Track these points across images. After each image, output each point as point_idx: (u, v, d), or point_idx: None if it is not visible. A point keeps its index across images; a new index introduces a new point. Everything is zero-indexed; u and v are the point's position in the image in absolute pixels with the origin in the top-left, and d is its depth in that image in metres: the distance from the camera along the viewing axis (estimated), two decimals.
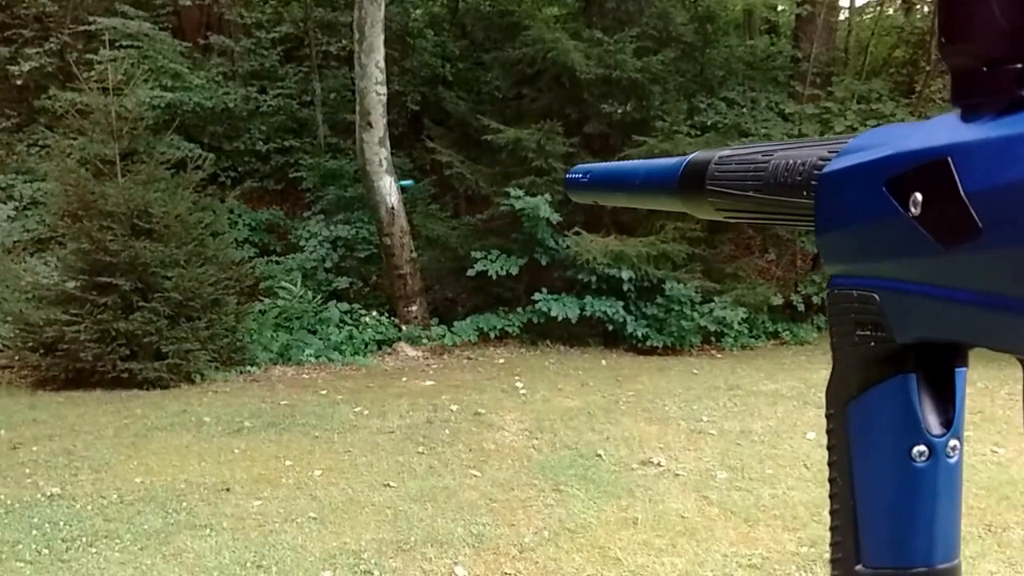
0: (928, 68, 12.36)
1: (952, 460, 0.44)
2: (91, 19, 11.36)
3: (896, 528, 0.44)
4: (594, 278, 9.63)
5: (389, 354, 9.40)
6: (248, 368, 8.45)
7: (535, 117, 10.54)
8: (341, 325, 9.60)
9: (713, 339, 9.79)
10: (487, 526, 4.37)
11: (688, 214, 0.64)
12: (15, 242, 10.00)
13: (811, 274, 10.15)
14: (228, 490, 4.96)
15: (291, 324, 9.49)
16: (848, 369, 0.46)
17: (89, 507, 4.70)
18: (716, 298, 9.78)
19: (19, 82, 12.13)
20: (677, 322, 9.52)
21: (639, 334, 9.55)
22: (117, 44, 10.70)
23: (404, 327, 9.83)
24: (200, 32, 13.99)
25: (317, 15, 13.30)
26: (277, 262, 10.60)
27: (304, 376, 8.44)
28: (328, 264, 10.74)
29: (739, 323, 9.60)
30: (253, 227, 11.43)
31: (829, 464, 0.48)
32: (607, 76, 10.39)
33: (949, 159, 0.37)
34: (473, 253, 9.95)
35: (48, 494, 4.90)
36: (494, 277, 9.72)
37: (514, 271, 9.76)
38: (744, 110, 12.42)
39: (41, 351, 7.78)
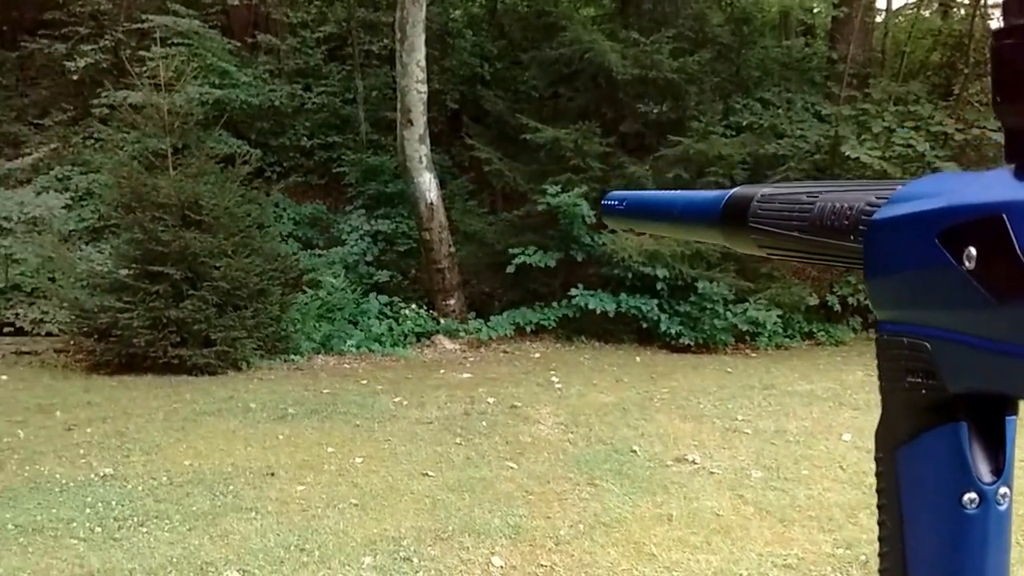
0: (966, 71, 12.26)
1: (1002, 507, 0.44)
2: (144, 17, 11.63)
3: (946, 573, 0.44)
4: (629, 275, 9.73)
5: (427, 346, 9.58)
6: (292, 357, 8.68)
7: (572, 116, 10.65)
8: (381, 317, 9.80)
9: (747, 338, 9.82)
10: (523, 518, 4.43)
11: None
12: (71, 231, 10.30)
13: (846, 275, 10.14)
14: (273, 475, 5.12)
15: (333, 315, 9.70)
16: (898, 415, 0.46)
17: (140, 488, 4.88)
18: (750, 298, 9.82)
19: (75, 77, 12.45)
20: (710, 321, 9.58)
21: (672, 332, 9.63)
22: (169, 42, 10.98)
23: (442, 320, 10.00)
24: (248, 31, 14.25)
25: (360, 15, 13.50)
26: (320, 255, 10.83)
27: (345, 366, 8.64)
28: (369, 257, 10.96)
29: (772, 323, 9.65)
30: (297, 221, 11.66)
31: (879, 507, 0.48)
32: (643, 76, 10.47)
33: (1004, 216, 0.37)
34: (510, 249, 10.09)
35: (101, 474, 5.09)
36: (532, 267, 9.85)
37: (551, 264, 9.88)
38: (780, 111, 12.40)
39: (95, 336, 8.05)
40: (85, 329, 8.14)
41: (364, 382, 7.78)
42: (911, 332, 0.44)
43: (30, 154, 11.87)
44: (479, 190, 12.48)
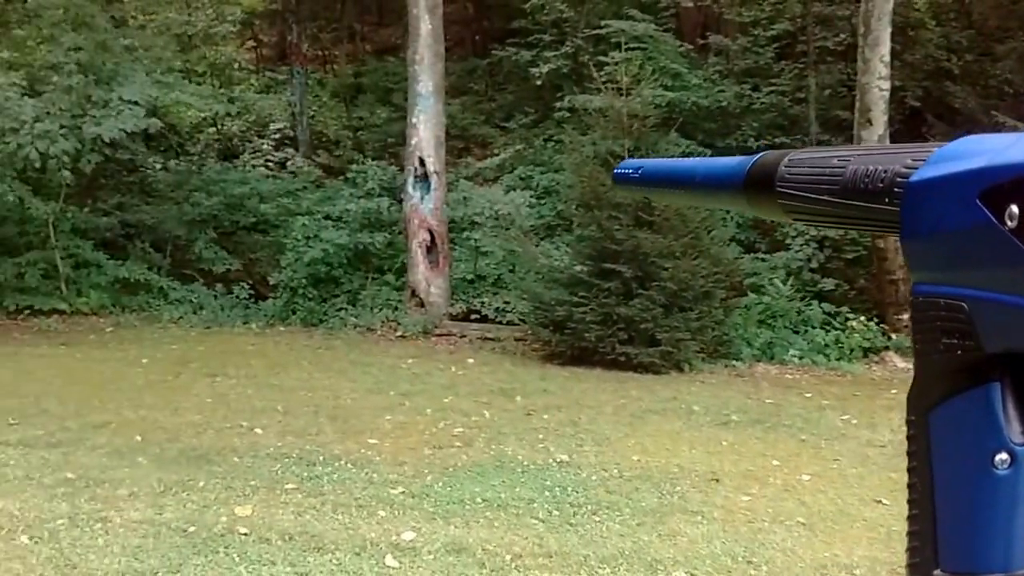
0: None
1: None
2: (602, 23, 12.25)
3: (975, 534, 0.44)
4: None
5: (876, 363, 8.96)
6: (733, 362, 8.59)
7: None
8: (826, 328, 9.35)
9: None
10: None
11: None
12: (531, 227, 11.18)
13: None
14: (717, 480, 5.06)
15: (774, 322, 9.45)
16: (932, 376, 0.46)
17: (593, 477, 5.07)
18: None
19: (538, 82, 13.51)
20: None
21: None
22: (626, 46, 11.43)
23: (894, 336, 9.27)
24: (698, 32, 14.42)
25: (816, 10, 12.99)
26: (762, 259, 10.61)
27: (787, 376, 8.35)
28: (814, 264, 10.50)
29: None
30: (740, 224, 11.54)
31: (909, 470, 0.47)
32: None
33: None
34: None
35: (558, 460, 5.37)
36: None
37: None
38: None
39: (551, 328, 8.61)
40: (542, 320, 8.73)
41: (808, 395, 7.45)
42: (948, 293, 0.44)
43: (497, 155, 13.12)
44: None
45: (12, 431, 5.76)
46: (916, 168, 0.46)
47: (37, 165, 9.89)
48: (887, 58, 9.36)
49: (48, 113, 10.02)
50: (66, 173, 10.29)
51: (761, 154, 0.60)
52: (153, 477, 4.83)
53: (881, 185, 0.48)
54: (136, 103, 10.39)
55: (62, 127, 10.06)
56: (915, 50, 12.91)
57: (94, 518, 4.19)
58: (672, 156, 9.15)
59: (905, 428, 0.49)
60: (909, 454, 0.48)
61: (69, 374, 7.77)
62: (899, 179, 0.47)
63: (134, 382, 7.47)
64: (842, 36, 12.54)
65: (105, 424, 5.97)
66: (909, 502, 0.48)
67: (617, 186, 0.78)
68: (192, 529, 4.08)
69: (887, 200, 0.48)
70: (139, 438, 5.65)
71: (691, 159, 0.70)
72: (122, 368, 8.09)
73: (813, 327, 9.34)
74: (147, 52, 11.67)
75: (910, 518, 0.48)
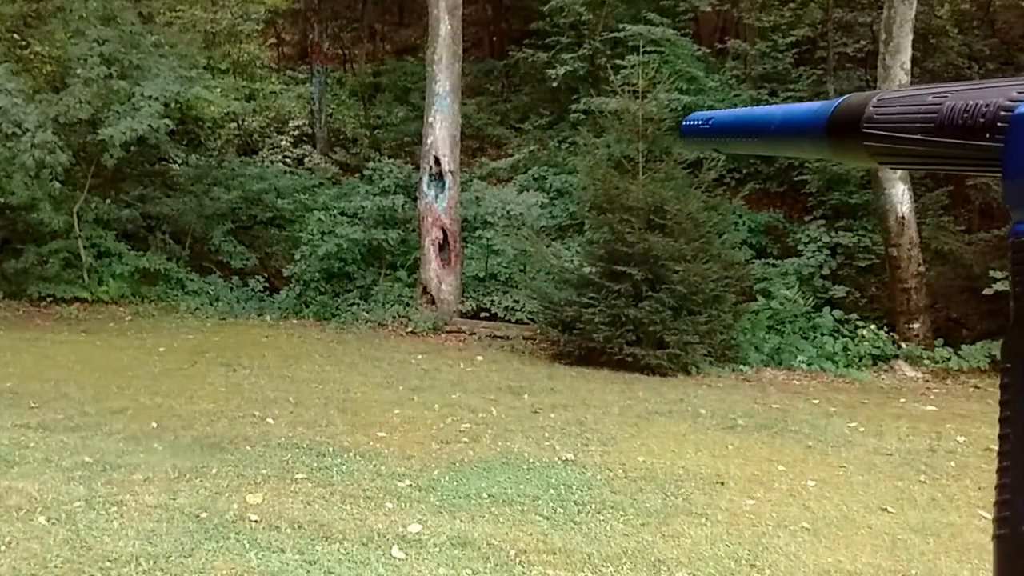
0: None
1: None
2: (620, 26, 12.29)
3: None
4: None
5: (885, 371, 8.97)
6: (740, 367, 8.63)
7: None
8: (836, 335, 9.36)
9: None
10: None
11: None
12: (542, 227, 11.25)
13: None
14: (722, 484, 5.09)
15: (783, 328, 9.47)
16: None
17: (598, 476, 5.10)
18: None
19: (554, 84, 13.57)
20: None
21: None
22: (643, 50, 11.47)
23: (904, 344, 9.29)
24: (715, 36, 14.44)
25: (836, 16, 12.98)
26: (773, 264, 10.63)
27: (795, 382, 8.38)
28: (825, 271, 10.52)
29: None
30: (752, 228, 11.57)
31: (1001, 420, 0.45)
32: None
33: None
34: (992, 272, 9.04)
35: (563, 458, 5.41)
36: None
37: None
38: None
39: (560, 328, 8.69)
40: (551, 320, 8.81)
41: (816, 401, 7.48)
42: None
43: (511, 155, 13.20)
44: (954, 205, 11.36)
45: (33, 414, 5.89)
46: (1023, 100, 0.44)
47: (32, 173, 10.04)
48: (908, 65, 9.38)
49: (54, 120, 10.15)
50: (57, 184, 10.44)
51: (846, 96, 0.58)
52: (168, 463, 4.93)
53: (982, 120, 0.46)
54: (156, 99, 10.53)
55: (78, 121, 10.22)
56: (936, 58, 12.87)
57: (110, 501, 4.28)
58: (686, 160, 9.18)
59: (999, 377, 0.47)
60: (1002, 403, 0.46)
61: (88, 361, 7.90)
62: (1003, 112, 0.45)
63: (151, 370, 7.59)
64: (863, 43, 12.55)
65: (122, 410, 6.09)
66: (1000, 454, 0.46)
67: (683, 141, 0.75)
68: (204, 515, 4.17)
69: (988, 136, 0.46)
70: (155, 424, 5.76)
71: (767, 107, 0.67)
72: (140, 356, 8.22)
73: (823, 334, 9.35)
74: (173, 48, 11.82)
75: (1000, 470, 0.46)
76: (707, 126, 0.71)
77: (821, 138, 0.58)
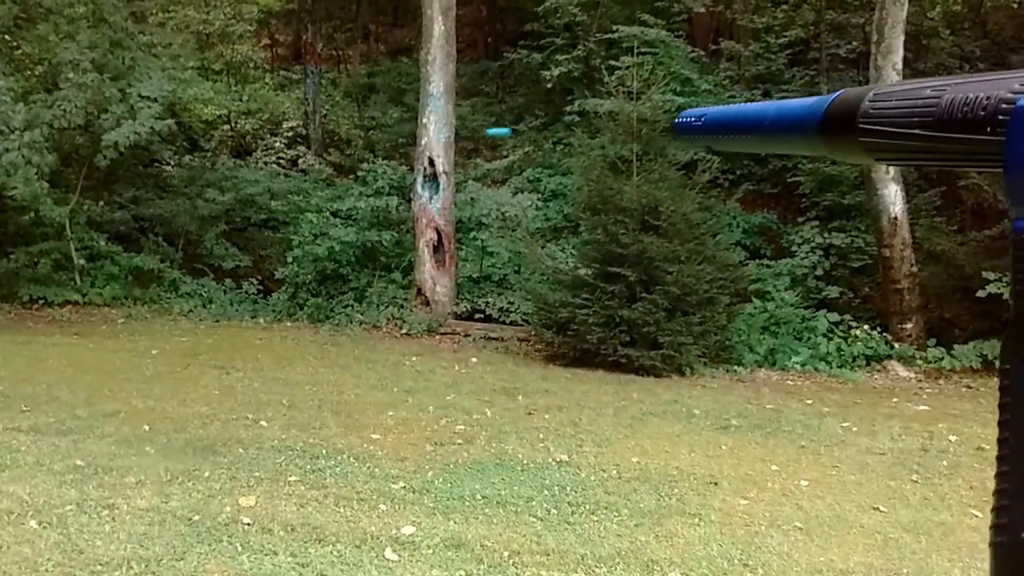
0: None
1: None
2: (614, 27, 12.29)
3: None
4: None
5: (878, 371, 8.99)
6: (734, 368, 8.64)
7: None
8: (829, 336, 9.37)
9: None
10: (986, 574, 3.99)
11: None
12: (536, 229, 11.26)
13: None
14: (716, 484, 5.10)
15: (778, 329, 9.49)
16: None
17: (592, 478, 5.11)
18: None
19: (549, 85, 13.56)
20: None
21: None
22: (637, 51, 11.48)
23: (896, 345, 9.30)
24: (710, 37, 14.45)
25: (829, 17, 13.02)
26: (767, 265, 10.64)
27: (788, 382, 8.39)
28: (819, 272, 10.52)
29: None
30: (746, 230, 11.57)
31: (1000, 424, 0.44)
32: None
33: None
34: (985, 273, 9.06)
35: (558, 460, 5.41)
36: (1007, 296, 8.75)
37: None
38: None
39: (554, 329, 8.69)
40: (546, 321, 8.81)
41: (809, 402, 7.49)
42: None
43: (506, 156, 13.18)
44: (947, 205, 11.39)
45: (24, 418, 5.87)
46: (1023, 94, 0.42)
47: (19, 173, 9.99)
48: (899, 66, 9.41)
49: (45, 123, 10.12)
50: (45, 184, 10.40)
51: (841, 91, 0.56)
52: (160, 466, 4.91)
53: (983, 113, 0.44)
54: (155, 100, 10.51)
55: (76, 126, 10.19)
56: (928, 59, 12.90)
57: (102, 505, 4.27)
58: (681, 161, 9.19)
59: (998, 378, 0.45)
60: (1001, 406, 0.45)
61: (80, 363, 7.88)
62: (1004, 105, 0.43)
63: (143, 373, 7.57)
64: (855, 44, 12.58)
65: (114, 413, 6.07)
66: (998, 458, 0.45)
67: (677, 138, 0.74)
68: (197, 518, 4.16)
69: (989, 130, 0.44)
70: (147, 427, 5.74)
71: (760, 103, 0.66)
72: (132, 359, 8.20)
73: (817, 335, 9.37)
74: (165, 49, 11.79)
75: (999, 476, 0.45)
76: (700, 123, 0.70)
77: (816, 134, 0.57)
